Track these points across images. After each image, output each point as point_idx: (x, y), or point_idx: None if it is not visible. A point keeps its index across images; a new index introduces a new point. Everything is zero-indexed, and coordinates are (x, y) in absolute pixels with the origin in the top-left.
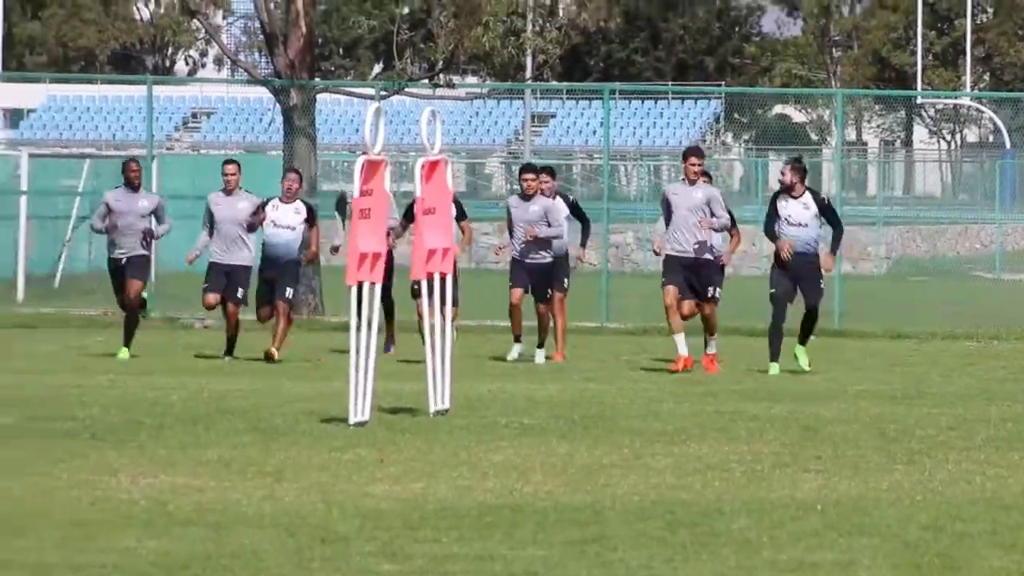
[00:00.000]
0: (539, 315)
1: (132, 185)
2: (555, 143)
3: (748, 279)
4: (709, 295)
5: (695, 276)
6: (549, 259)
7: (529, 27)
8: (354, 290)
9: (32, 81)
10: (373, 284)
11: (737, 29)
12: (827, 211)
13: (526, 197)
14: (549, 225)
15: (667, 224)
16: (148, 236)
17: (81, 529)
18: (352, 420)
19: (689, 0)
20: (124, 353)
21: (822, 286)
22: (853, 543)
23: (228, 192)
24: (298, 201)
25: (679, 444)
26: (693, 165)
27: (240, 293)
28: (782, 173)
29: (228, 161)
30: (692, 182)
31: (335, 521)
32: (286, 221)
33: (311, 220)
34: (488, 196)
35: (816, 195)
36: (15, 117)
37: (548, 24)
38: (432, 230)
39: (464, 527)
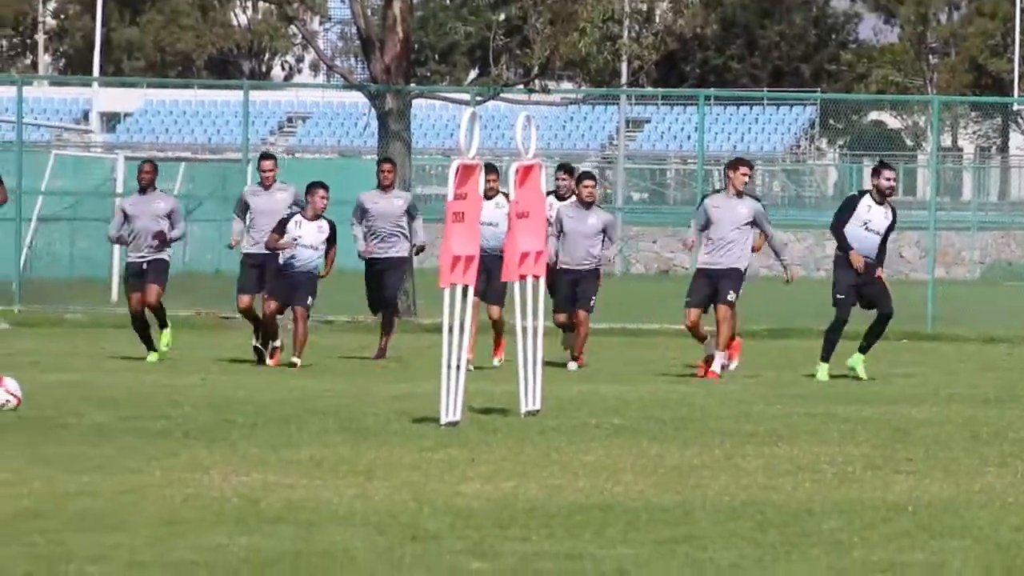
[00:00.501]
0: (577, 323)
1: (144, 189)
2: (649, 148)
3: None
4: (728, 299)
5: (717, 283)
6: (594, 265)
7: (625, 33)
8: (447, 292)
9: (129, 86)
10: (466, 286)
11: (834, 36)
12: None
13: (586, 205)
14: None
15: (700, 233)
16: (160, 238)
17: (173, 526)
18: (443, 420)
19: (786, 7)
20: (153, 356)
21: (889, 292)
22: (944, 545)
23: (266, 187)
24: (321, 219)
25: (770, 445)
26: (744, 175)
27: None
28: (887, 178)
29: (265, 157)
30: (739, 194)
31: (425, 519)
32: (309, 240)
33: (332, 240)
34: None
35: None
36: (112, 121)
37: (644, 30)
38: (525, 233)
39: (554, 526)
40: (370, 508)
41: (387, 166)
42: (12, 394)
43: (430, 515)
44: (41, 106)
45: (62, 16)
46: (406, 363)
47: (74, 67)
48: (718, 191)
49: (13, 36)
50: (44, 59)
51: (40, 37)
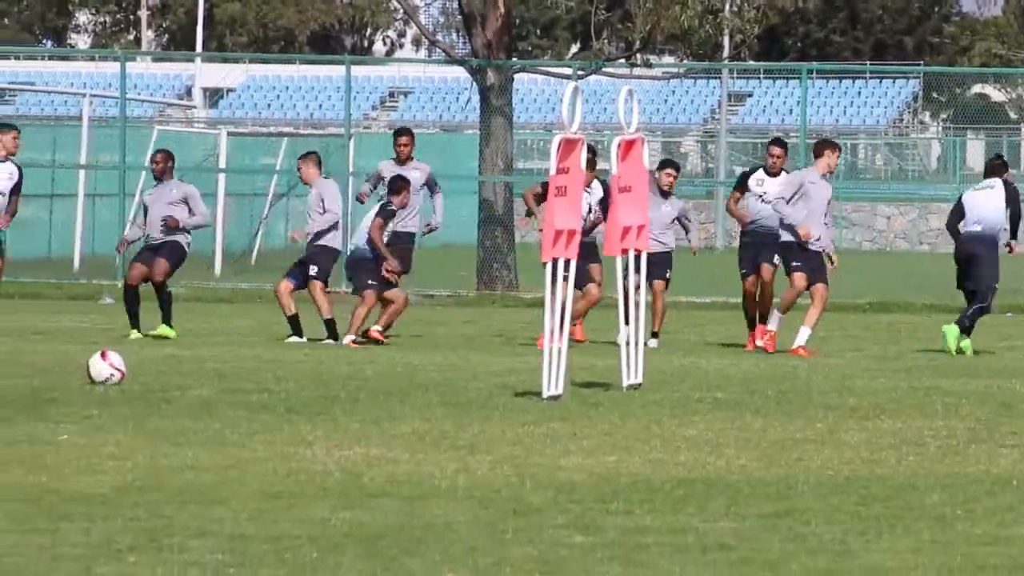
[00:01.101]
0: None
1: (159, 178)
2: (751, 122)
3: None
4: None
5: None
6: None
7: (727, 7)
8: (548, 266)
9: (232, 61)
10: (568, 260)
11: (936, 9)
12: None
13: (664, 194)
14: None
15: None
16: (169, 222)
17: (276, 500)
18: (545, 394)
19: None
20: (136, 335)
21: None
22: None
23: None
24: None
25: (873, 419)
26: (837, 157)
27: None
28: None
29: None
30: (831, 175)
31: (528, 493)
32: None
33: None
34: (683, 174)
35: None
36: (215, 97)
37: (746, 4)
38: (627, 208)
39: (656, 500)
40: (472, 482)
41: (403, 139)
42: (117, 368)
43: (532, 489)
44: (144, 82)
45: None
46: (509, 338)
47: (177, 43)
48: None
49: (116, 12)
50: (147, 35)
51: (143, 13)
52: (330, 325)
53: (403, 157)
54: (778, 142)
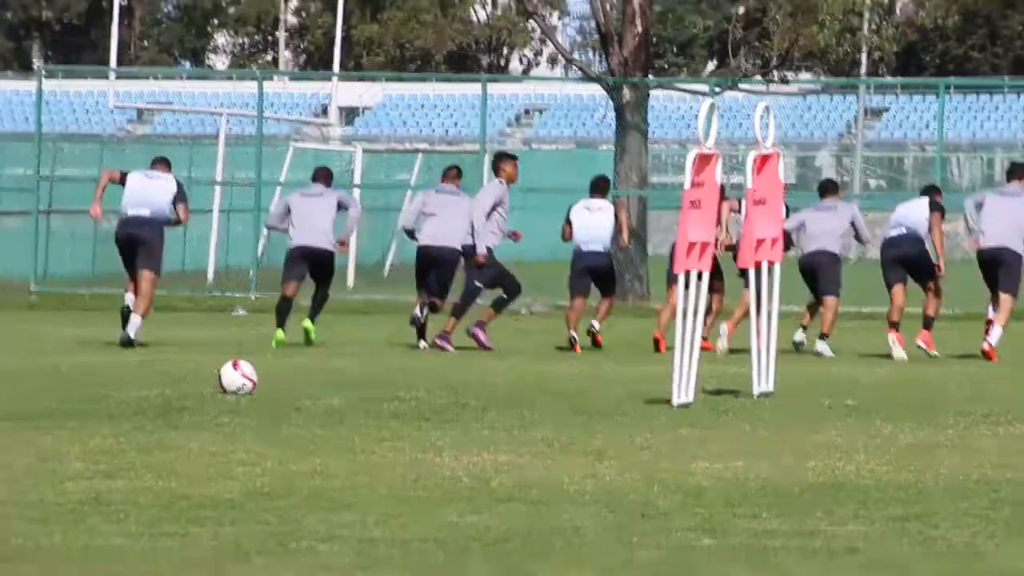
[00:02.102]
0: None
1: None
2: (887, 136)
3: None
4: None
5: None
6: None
7: (866, 26)
8: (681, 277)
9: (369, 80)
10: (700, 272)
11: None
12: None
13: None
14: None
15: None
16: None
17: (404, 504)
18: (676, 401)
19: None
20: (311, 326)
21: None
22: None
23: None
24: None
25: (1004, 425)
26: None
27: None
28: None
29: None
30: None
31: (655, 498)
32: None
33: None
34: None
35: None
36: (351, 115)
37: (885, 22)
38: (761, 220)
39: (785, 504)
40: (600, 487)
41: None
42: (248, 378)
43: (660, 494)
44: (281, 101)
45: (303, 14)
46: (639, 346)
47: (314, 63)
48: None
49: (255, 33)
50: (284, 55)
51: (281, 34)
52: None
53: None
54: None
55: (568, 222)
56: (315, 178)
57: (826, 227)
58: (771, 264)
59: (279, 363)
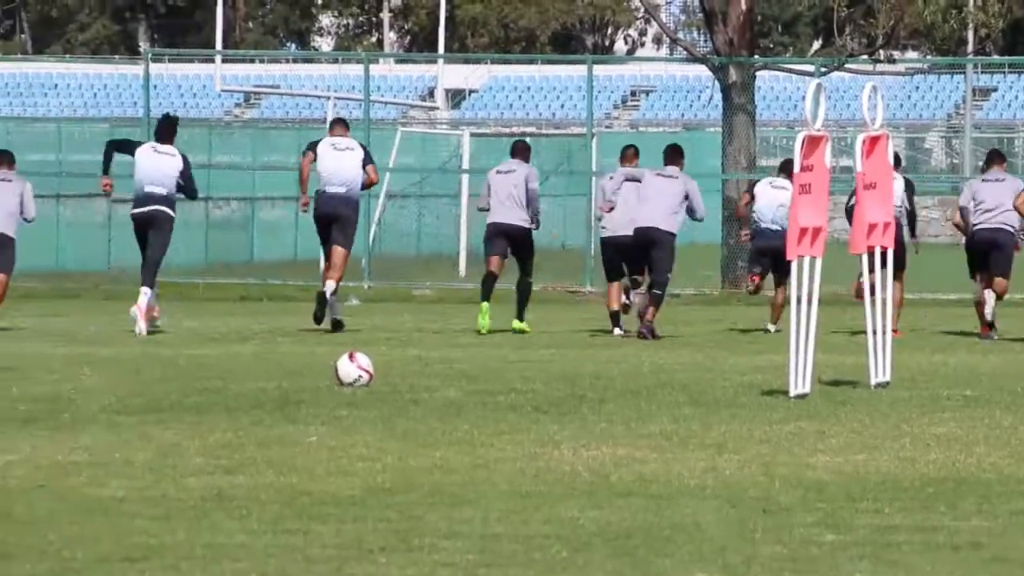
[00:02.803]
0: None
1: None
2: (996, 116)
3: None
4: None
5: None
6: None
7: (971, 1)
8: (795, 264)
9: (474, 62)
10: (814, 258)
11: None
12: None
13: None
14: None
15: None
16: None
17: (525, 500)
18: (792, 393)
19: None
20: (521, 325)
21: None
22: None
23: None
24: None
25: None
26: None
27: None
28: None
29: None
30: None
31: (776, 492)
32: None
33: None
34: (928, 170)
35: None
36: (457, 98)
37: None
38: (873, 204)
39: (906, 498)
40: (720, 481)
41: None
42: (364, 370)
43: (781, 488)
44: (387, 84)
45: None
46: (754, 336)
47: (419, 44)
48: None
49: (359, 15)
50: (389, 37)
51: (385, 15)
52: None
53: None
54: None
55: (753, 197)
56: (513, 153)
57: (1000, 199)
58: (884, 250)
59: (395, 354)
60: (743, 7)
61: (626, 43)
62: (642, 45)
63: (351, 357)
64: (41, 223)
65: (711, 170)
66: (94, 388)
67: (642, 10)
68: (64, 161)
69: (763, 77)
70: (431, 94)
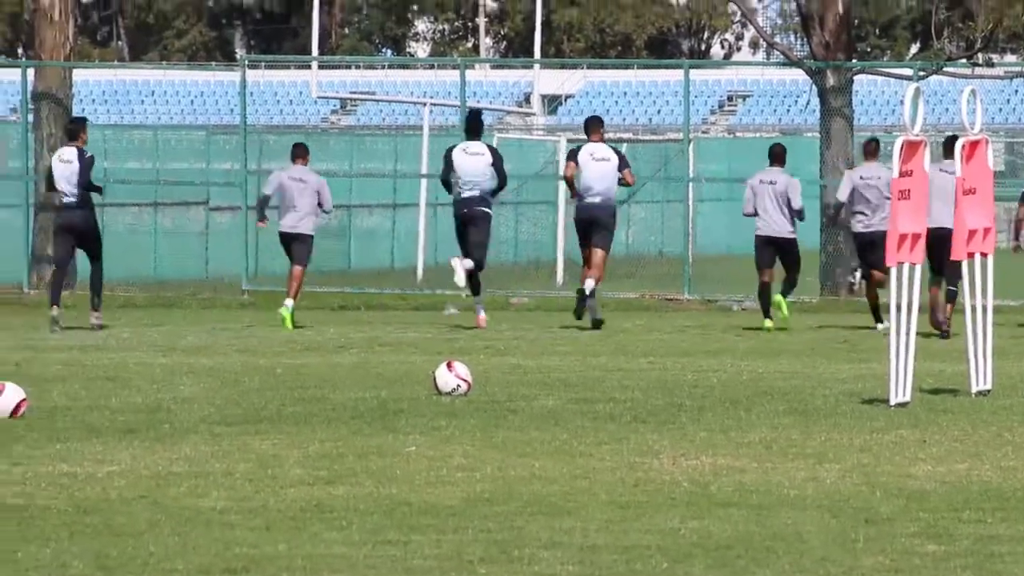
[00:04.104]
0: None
1: None
2: None
3: None
4: None
5: None
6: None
7: None
8: (894, 271)
9: (570, 67)
10: (913, 265)
11: None
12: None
13: None
14: None
15: None
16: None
17: (625, 510)
18: (893, 401)
19: None
20: None
21: None
22: None
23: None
24: None
25: None
26: None
27: None
28: None
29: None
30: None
31: (878, 502)
32: None
33: None
34: None
35: None
36: (553, 103)
37: None
38: (973, 210)
39: (1010, 508)
40: (821, 491)
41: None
42: (463, 379)
43: (882, 498)
44: (483, 89)
45: None
46: (854, 344)
47: (514, 50)
48: None
49: (455, 20)
50: (485, 42)
51: (481, 21)
52: None
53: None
54: None
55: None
56: (772, 159)
57: None
58: (984, 256)
59: (493, 363)
60: (840, 10)
61: (722, 47)
62: (738, 49)
63: (449, 366)
64: (139, 231)
65: (809, 175)
66: (193, 398)
67: (738, 14)
68: (161, 169)
69: (860, 81)
70: (527, 99)
